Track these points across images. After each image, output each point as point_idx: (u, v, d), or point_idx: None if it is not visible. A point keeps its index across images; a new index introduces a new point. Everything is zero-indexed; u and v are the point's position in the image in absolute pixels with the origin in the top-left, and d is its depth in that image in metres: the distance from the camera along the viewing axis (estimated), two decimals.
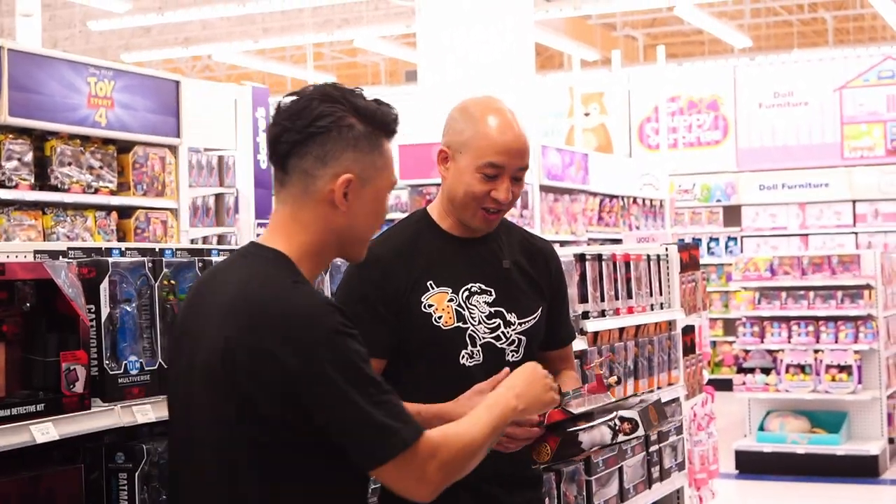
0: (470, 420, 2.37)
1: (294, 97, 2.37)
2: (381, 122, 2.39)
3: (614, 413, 2.76)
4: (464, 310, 2.91)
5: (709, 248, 16.98)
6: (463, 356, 2.90)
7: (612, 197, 12.00)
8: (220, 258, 2.94)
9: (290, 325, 2.17)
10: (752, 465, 10.10)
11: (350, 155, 2.32)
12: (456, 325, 2.89)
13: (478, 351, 2.91)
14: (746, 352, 10.57)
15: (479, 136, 2.93)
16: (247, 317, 2.20)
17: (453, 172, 2.96)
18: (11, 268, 2.38)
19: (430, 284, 2.90)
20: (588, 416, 2.75)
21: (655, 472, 5.02)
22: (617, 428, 2.72)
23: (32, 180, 6.75)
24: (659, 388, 5.23)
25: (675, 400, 5.47)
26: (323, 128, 2.31)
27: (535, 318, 3.01)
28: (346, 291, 2.91)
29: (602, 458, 4.39)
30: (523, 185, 3.00)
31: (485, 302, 2.94)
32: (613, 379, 2.93)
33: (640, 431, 2.74)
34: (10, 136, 6.66)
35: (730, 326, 15.76)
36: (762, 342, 10.51)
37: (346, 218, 2.34)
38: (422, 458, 2.20)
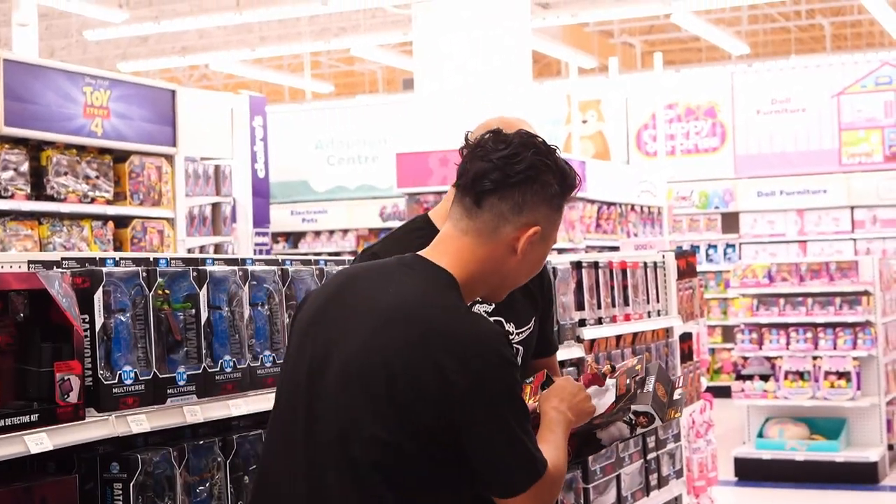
0: (555, 442, 2.49)
1: (500, 139, 2.45)
2: (570, 185, 2.50)
3: (628, 409, 2.76)
4: None
5: (707, 255, 16.98)
6: None
7: (609, 204, 11.99)
8: (215, 268, 2.94)
9: (465, 346, 2.26)
10: (751, 473, 10.09)
11: (543, 210, 2.45)
12: None
13: None
14: (745, 359, 10.56)
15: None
16: (419, 328, 2.29)
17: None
18: (5, 278, 2.37)
19: None
20: (604, 415, 2.75)
21: (654, 479, 5.00)
22: (633, 422, 2.74)
23: (28, 190, 6.74)
24: None
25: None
26: (530, 178, 2.42)
27: (530, 328, 3.01)
28: None
29: (600, 465, 4.37)
30: None
31: (484, 311, 2.93)
32: (607, 368, 2.91)
33: (657, 422, 2.76)
34: (6, 145, 6.66)
35: (728, 333, 15.75)
36: (761, 349, 10.50)
37: (517, 264, 2.47)
38: (547, 486, 2.33)
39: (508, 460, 2.26)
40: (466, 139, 2.49)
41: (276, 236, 17.59)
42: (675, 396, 2.86)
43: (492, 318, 2.93)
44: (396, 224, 12.90)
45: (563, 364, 4.32)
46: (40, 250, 6.73)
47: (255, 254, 10.64)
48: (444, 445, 2.24)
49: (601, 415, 2.72)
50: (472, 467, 2.26)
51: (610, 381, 2.80)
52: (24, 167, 6.74)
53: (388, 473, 2.23)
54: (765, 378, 10.20)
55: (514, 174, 2.40)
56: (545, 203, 2.45)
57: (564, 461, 2.46)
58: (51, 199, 6.88)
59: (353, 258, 3.18)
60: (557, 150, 2.51)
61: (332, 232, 18.54)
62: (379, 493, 2.23)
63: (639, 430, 2.77)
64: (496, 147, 2.43)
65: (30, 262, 2.68)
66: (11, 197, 6.63)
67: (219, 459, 2.86)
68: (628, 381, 2.76)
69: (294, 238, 18.82)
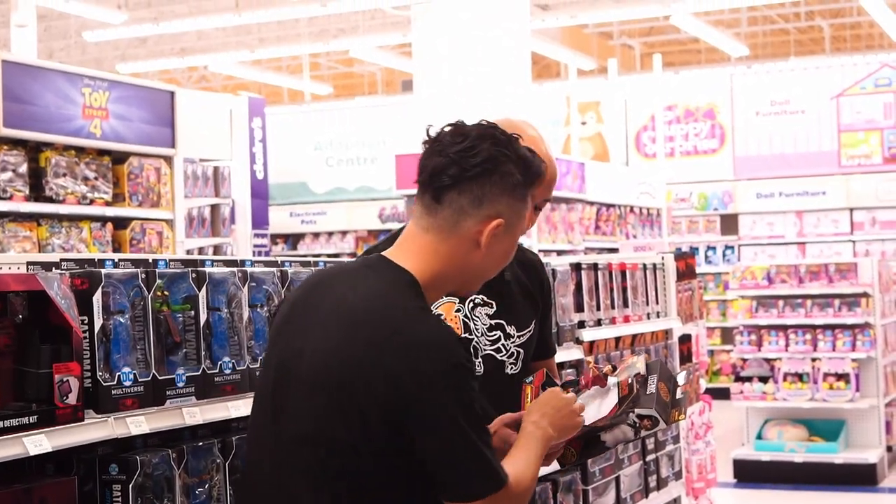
0: (526, 457, 2.45)
1: (458, 132, 2.41)
2: (534, 174, 2.46)
3: (632, 412, 2.75)
4: (469, 321, 2.91)
5: (706, 257, 16.99)
6: None
7: (608, 206, 11.99)
8: (214, 269, 2.93)
9: (418, 350, 2.22)
10: (750, 474, 10.09)
11: (505, 201, 2.40)
12: (463, 335, 2.88)
13: (479, 363, 2.90)
14: (744, 360, 10.56)
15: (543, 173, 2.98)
16: (376, 332, 2.26)
17: None
18: (4, 279, 2.37)
19: None
20: (607, 419, 2.74)
21: (653, 481, 5.00)
22: (637, 426, 2.73)
23: (27, 191, 6.74)
24: None
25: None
26: (488, 170, 2.37)
27: (530, 331, 3.00)
28: None
29: (599, 467, 4.37)
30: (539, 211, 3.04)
31: (486, 314, 2.93)
32: (608, 368, 2.90)
33: (662, 425, 2.75)
34: (5, 147, 6.66)
35: (727, 335, 15.74)
36: (760, 351, 10.50)
37: (482, 259, 2.42)
38: (505, 499, 2.29)
39: (465, 465, 2.23)
40: (427, 133, 2.44)
41: (275, 238, 17.59)
42: (678, 395, 2.85)
43: (493, 321, 2.92)
44: (396, 226, 12.89)
45: (562, 366, 4.32)
46: (39, 252, 6.73)
47: (253, 255, 10.64)
48: (401, 450, 2.23)
49: (604, 417, 2.71)
50: (429, 472, 2.24)
51: (612, 380, 2.79)
52: (23, 168, 6.74)
53: (351, 477, 2.23)
54: (764, 380, 10.21)
55: (471, 167, 2.36)
56: (506, 194, 2.40)
57: (532, 479, 2.42)
58: (50, 200, 6.88)
59: (352, 259, 3.17)
60: (518, 139, 2.45)
61: (331, 233, 18.54)
62: (341, 496, 2.24)
63: (643, 433, 2.76)
64: (454, 141, 2.39)
65: (29, 263, 2.68)
66: (10, 198, 6.63)
67: (218, 461, 2.86)
68: (630, 381, 2.75)
69: (293, 240, 18.81)
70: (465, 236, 2.39)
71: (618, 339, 4.95)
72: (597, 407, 2.76)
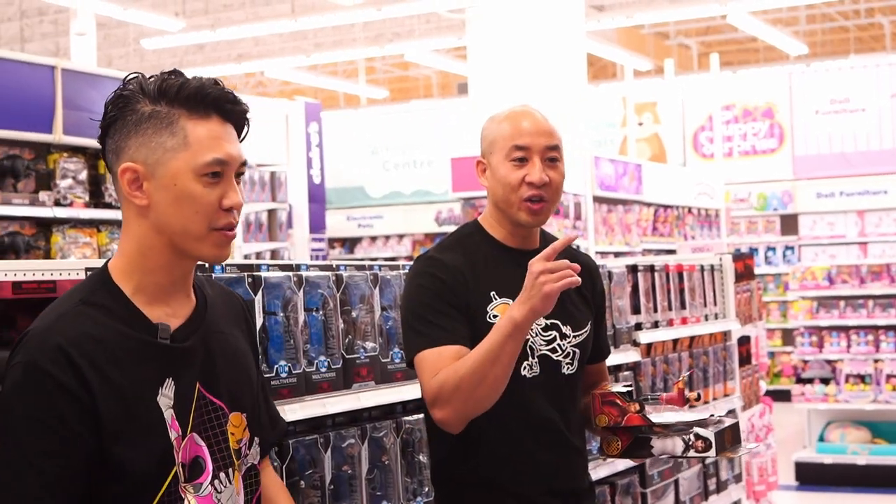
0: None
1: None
2: (163, 91, 2.06)
3: (692, 429, 2.74)
4: None
5: (766, 258, 16.83)
6: (524, 367, 2.86)
7: (666, 207, 11.92)
8: (270, 273, 2.95)
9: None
10: (812, 477, 9.98)
11: (132, 142, 2.05)
12: None
13: (535, 363, 2.88)
14: (805, 362, 10.45)
15: (501, 130, 2.96)
16: None
17: (490, 176, 2.96)
18: (63, 285, 2.39)
19: (494, 295, 2.87)
20: (667, 425, 2.73)
21: (712, 484, 4.96)
22: (690, 443, 2.71)
23: (87, 198, 6.81)
24: (714, 399, 5.18)
25: (732, 411, 5.41)
26: (114, 119, 2.07)
27: (586, 332, 2.98)
28: (419, 295, 2.85)
29: (657, 470, 4.34)
30: (562, 169, 2.95)
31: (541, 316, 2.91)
32: (694, 395, 2.89)
33: (712, 453, 2.72)
34: (65, 154, 6.74)
35: (788, 336, 15.60)
36: (821, 352, 10.39)
37: (157, 217, 2.06)
38: None
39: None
40: None
41: (332, 242, 17.67)
42: (738, 452, 2.86)
43: (548, 321, 2.91)
44: (452, 229, 12.91)
45: (619, 368, 4.30)
46: (99, 257, 6.80)
47: (311, 259, 10.69)
48: None
49: (667, 423, 2.71)
50: None
51: (690, 410, 2.81)
52: (83, 175, 6.81)
53: None
54: (825, 381, 10.09)
55: (103, 129, 2.09)
56: (133, 134, 2.04)
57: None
58: (109, 206, 6.94)
59: (409, 262, 3.17)
60: (146, 76, 2.10)
61: (387, 237, 18.59)
62: None
63: (691, 453, 2.74)
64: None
65: (87, 269, 2.70)
66: (70, 205, 6.70)
67: (275, 464, 2.87)
68: (706, 416, 2.75)
69: (350, 243, 18.89)
70: (127, 202, 2.09)
71: (675, 341, 4.91)
72: (667, 415, 2.76)
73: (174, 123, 2.04)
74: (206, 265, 2.78)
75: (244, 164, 2.17)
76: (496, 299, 2.87)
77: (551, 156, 2.91)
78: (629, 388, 2.86)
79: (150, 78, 2.09)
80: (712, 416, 2.80)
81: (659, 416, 2.78)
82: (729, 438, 2.78)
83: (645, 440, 2.76)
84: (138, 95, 2.06)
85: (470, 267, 2.90)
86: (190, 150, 2.04)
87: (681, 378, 2.95)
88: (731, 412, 5.36)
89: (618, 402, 2.77)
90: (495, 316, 2.84)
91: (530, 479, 2.86)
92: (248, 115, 2.18)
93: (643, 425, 2.75)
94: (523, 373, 2.86)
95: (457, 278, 2.86)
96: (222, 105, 2.10)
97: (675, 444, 2.74)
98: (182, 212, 2.04)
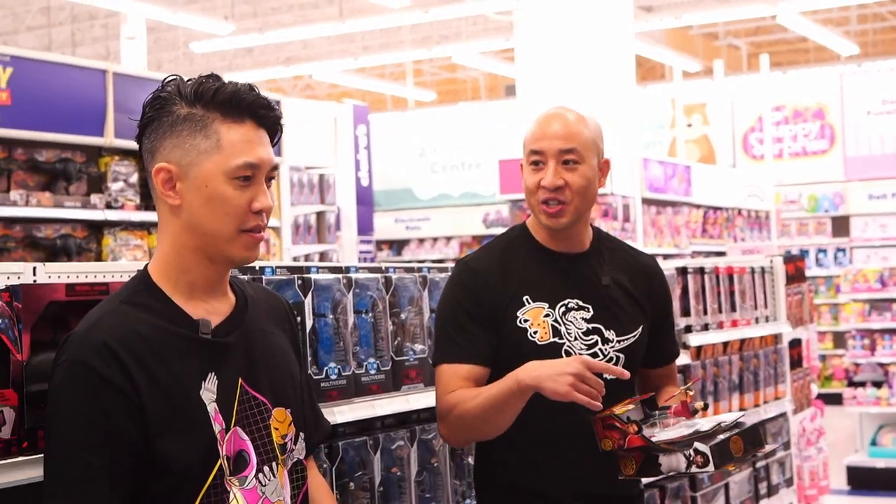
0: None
1: None
2: (198, 95, 2.10)
3: (691, 444, 2.72)
4: (560, 325, 2.87)
5: (817, 260, 16.68)
6: None
7: (715, 209, 11.85)
8: (320, 275, 2.96)
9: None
10: (864, 481, 9.87)
11: (167, 143, 2.09)
12: (552, 340, 2.85)
13: None
14: (857, 365, 10.35)
15: (527, 134, 2.98)
16: None
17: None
18: (115, 288, 2.40)
19: (527, 299, 2.87)
20: (670, 442, 2.71)
21: (763, 488, 4.93)
22: (691, 459, 2.69)
23: (138, 201, 6.87)
24: (765, 402, 5.14)
25: (783, 415, 5.37)
26: (151, 120, 2.12)
27: (634, 337, 2.95)
28: (447, 305, 2.89)
29: (708, 474, 4.32)
30: (583, 172, 2.89)
31: (582, 318, 2.89)
32: (700, 405, 2.85)
33: (710, 468, 2.69)
34: (116, 157, 6.80)
35: (839, 339, 15.45)
36: (873, 355, 10.29)
37: (189, 218, 2.09)
38: None
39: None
40: None
41: (380, 244, 17.71)
42: (747, 461, 2.81)
43: (590, 325, 2.89)
44: (500, 231, 12.90)
45: None
46: (149, 260, 6.86)
47: (359, 261, 10.73)
48: None
49: (668, 441, 2.68)
50: None
51: (697, 420, 2.77)
52: (134, 178, 6.87)
53: None
54: (878, 385, 9.98)
55: (140, 129, 2.14)
56: (169, 135, 2.08)
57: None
58: None
59: (453, 265, 3.17)
60: (184, 79, 2.13)
61: (435, 239, 18.61)
62: None
63: (693, 469, 2.71)
64: None
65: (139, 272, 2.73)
66: (121, 207, 6.76)
67: (325, 466, 2.87)
68: (713, 427, 2.72)
69: (398, 245, 18.93)
70: (162, 204, 2.12)
71: (725, 344, 4.88)
72: (674, 430, 2.74)
73: (208, 126, 2.08)
74: (257, 266, 2.80)
75: (275, 168, 2.20)
76: (529, 303, 2.87)
77: (566, 159, 2.89)
78: (631, 407, 2.80)
79: (187, 81, 2.13)
80: (720, 424, 2.75)
81: (665, 432, 2.75)
82: (738, 447, 2.73)
83: (653, 458, 2.74)
84: (175, 98, 2.10)
85: (503, 269, 2.90)
86: (222, 153, 2.08)
87: (682, 389, 2.90)
88: (782, 416, 5.31)
89: (617, 424, 2.73)
90: (525, 321, 2.84)
91: (560, 482, 2.86)
92: (282, 121, 2.21)
93: (644, 445, 2.72)
94: None
95: (485, 281, 2.87)
96: (256, 110, 2.13)
97: (679, 461, 2.71)
98: (213, 213, 2.08)
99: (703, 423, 2.75)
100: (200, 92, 2.09)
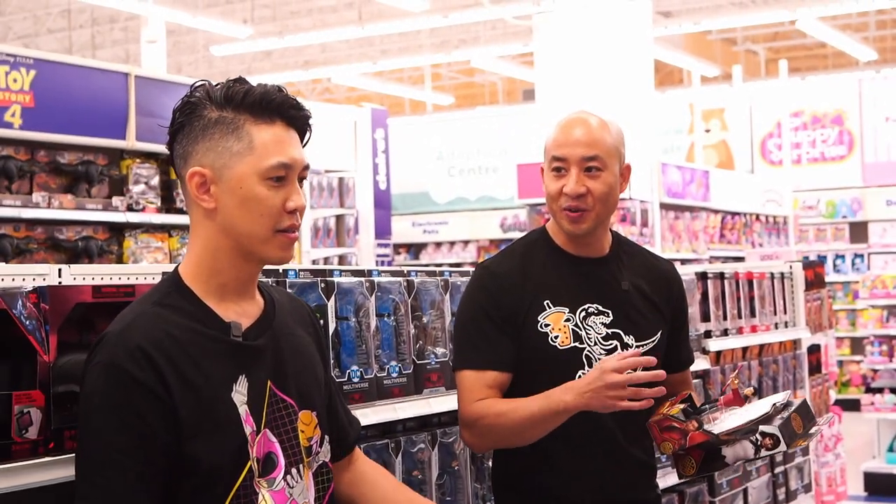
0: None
1: None
2: (228, 98, 2.12)
3: (756, 430, 2.71)
4: (581, 330, 2.87)
5: (835, 266, 16.63)
6: (579, 376, 2.82)
7: (734, 214, 11.84)
8: (343, 279, 2.97)
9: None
10: (881, 487, 9.84)
11: (200, 147, 2.11)
12: (573, 345, 2.85)
13: None
14: (875, 371, 10.33)
15: (548, 139, 2.98)
16: None
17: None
18: (141, 289, 2.43)
19: (548, 303, 2.88)
20: (733, 432, 2.71)
21: (781, 493, 4.92)
22: (759, 443, 2.69)
23: (159, 203, 6.91)
24: None
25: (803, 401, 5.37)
26: (182, 126, 2.14)
27: (653, 342, 2.95)
28: (467, 309, 2.91)
29: (726, 479, 4.32)
30: (605, 178, 2.89)
31: (602, 323, 2.90)
32: (750, 390, 2.86)
33: (782, 447, 2.69)
34: (137, 160, 6.84)
35: (857, 345, 15.40)
36: (891, 361, 10.26)
37: (223, 221, 2.11)
38: None
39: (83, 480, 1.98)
40: None
41: (397, 247, 17.72)
42: (811, 431, 2.79)
43: (609, 330, 2.89)
44: (517, 235, 12.91)
45: None
46: (170, 262, 6.89)
47: (377, 265, 10.75)
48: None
49: (730, 431, 2.68)
50: None
51: (749, 406, 2.76)
52: (155, 181, 6.90)
53: None
54: (895, 391, 9.96)
55: (171, 135, 2.15)
56: (201, 139, 2.10)
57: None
58: (180, 211, 7.03)
59: (473, 269, 3.18)
60: (212, 84, 2.17)
61: (453, 243, 18.61)
62: None
63: (763, 452, 2.71)
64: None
65: (164, 273, 2.75)
66: (143, 210, 6.80)
67: (391, 460, 2.89)
68: (769, 410, 2.71)
69: (415, 249, 18.93)
70: (195, 207, 2.14)
71: (745, 349, 4.88)
72: (728, 419, 2.74)
73: (240, 129, 2.10)
74: (281, 270, 2.82)
75: (307, 167, 2.21)
76: (549, 308, 2.87)
77: (589, 166, 2.89)
78: (681, 406, 2.80)
79: (216, 85, 2.15)
80: (775, 405, 2.74)
81: (721, 423, 2.75)
82: (798, 423, 2.73)
83: (717, 451, 2.73)
84: (205, 102, 2.12)
85: (523, 273, 2.91)
86: (255, 154, 2.09)
87: (732, 377, 2.91)
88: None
89: (675, 425, 2.73)
90: (546, 325, 2.85)
91: (581, 487, 2.87)
92: (311, 121, 2.23)
93: (707, 440, 2.72)
94: None
95: (506, 284, 2.88)
96: (286, 111, 2.15)
97: (746, 449, 2.71)
98: (248, 214, 2.09)
99: (757, 408, 2.74)
100: (230, 95, 2.12)
